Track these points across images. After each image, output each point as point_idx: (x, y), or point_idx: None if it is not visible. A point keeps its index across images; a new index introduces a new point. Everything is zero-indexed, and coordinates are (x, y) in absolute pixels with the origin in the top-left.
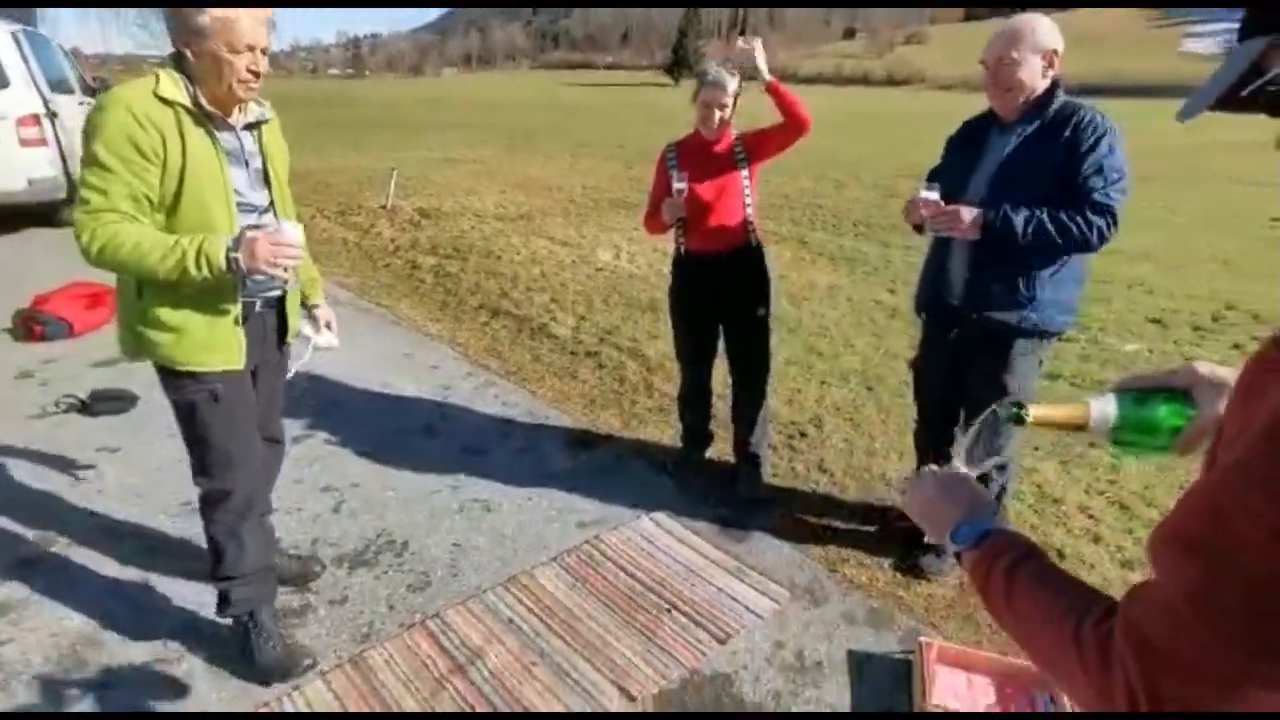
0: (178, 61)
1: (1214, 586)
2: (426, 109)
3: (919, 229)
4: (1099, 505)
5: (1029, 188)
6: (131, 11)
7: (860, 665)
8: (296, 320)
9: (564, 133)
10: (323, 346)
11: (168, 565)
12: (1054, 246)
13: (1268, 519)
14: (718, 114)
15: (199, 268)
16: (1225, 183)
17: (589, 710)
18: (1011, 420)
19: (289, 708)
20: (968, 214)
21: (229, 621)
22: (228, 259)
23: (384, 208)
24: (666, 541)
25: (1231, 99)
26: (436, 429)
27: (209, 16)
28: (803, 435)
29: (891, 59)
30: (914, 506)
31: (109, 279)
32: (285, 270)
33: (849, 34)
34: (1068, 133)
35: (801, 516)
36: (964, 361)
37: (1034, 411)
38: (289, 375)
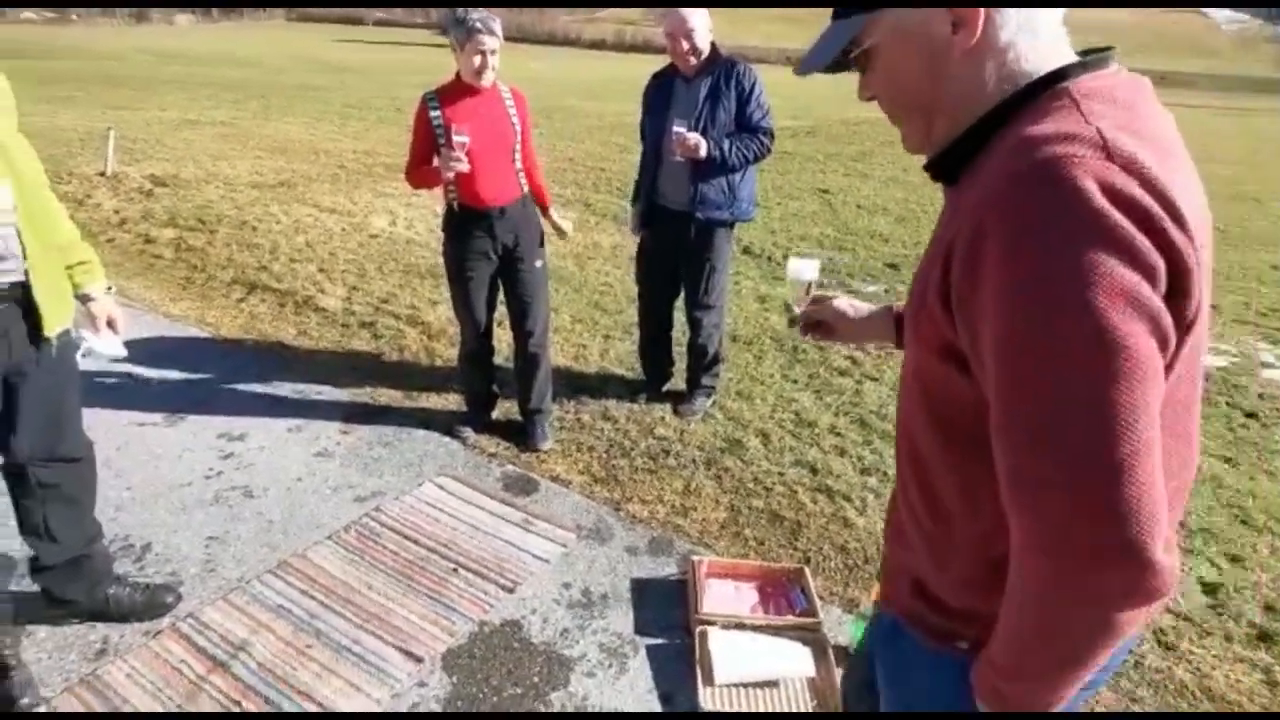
0: None
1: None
2: (158, 63)
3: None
4: (844, 424)
5: (718, 123)
6: None
7: (640, 590)
8: (57, 312)
9: (332, 93)
10: (103, 353)
11: None
12: (746, 161)
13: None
14: (491, 60)
15: None
16: None
17: (373, 680)
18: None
19: None
20: (702, 147)
21: None
22: None
23: (103, 175)
24: (451, 504)
25: (837, 62)
26: (184, 417)
27: None
28: (587, 387)
29: None
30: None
31: None
32: None
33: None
34: (733, 81)
35: (588, 464)
36: (680, 249)
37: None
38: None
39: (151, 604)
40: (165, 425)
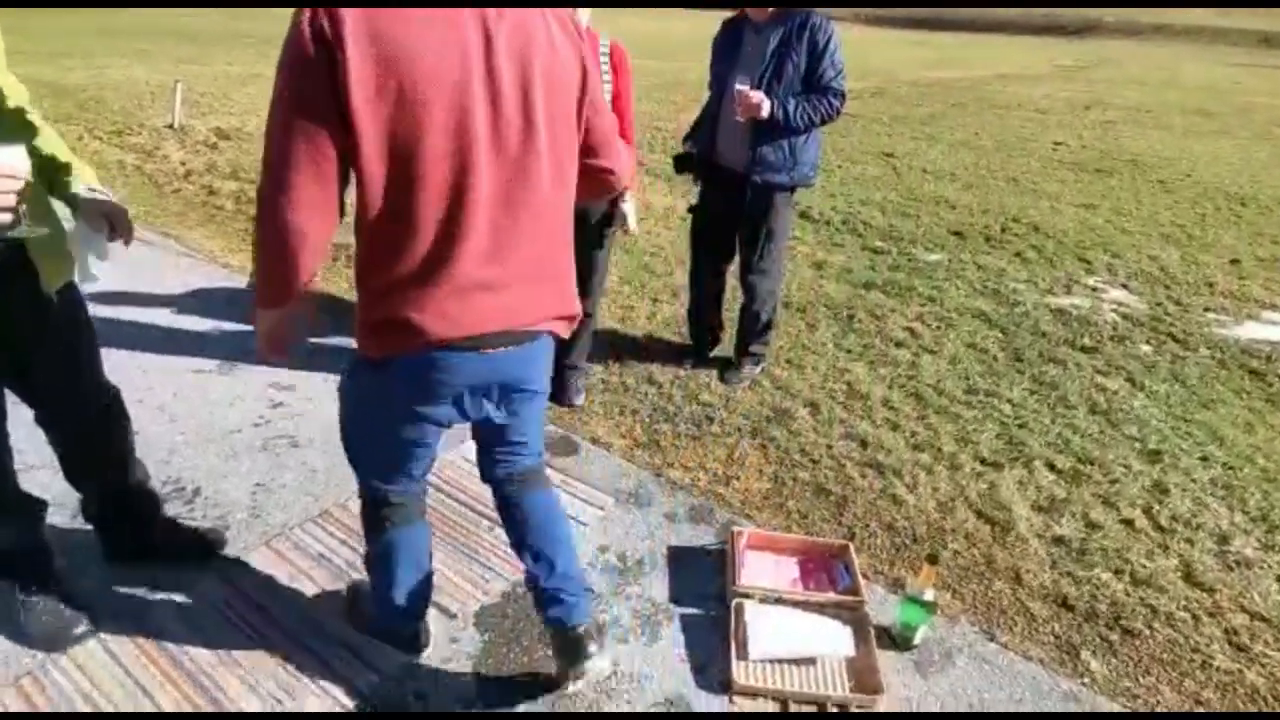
0: None
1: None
2: (227, 17)
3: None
4: (898, 397)
5: (784, 79)
6: None
7: (677, 558)
8: (58, 267)
9: None
10: (101, 261)
11: None
12: (812, 124)
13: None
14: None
15: None
16: (1015, 110)
17: None
18: None
19: (54, 672)
20: (764, 106)
21: None
22: None
23: (171, 127)
24: None
25: None
26: (238, 365)
27: None
28: (632, 350)
29: None
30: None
31: None
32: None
33: None
34: (806, 34)
35: (630, 427)
36: (737, 210)
37: None
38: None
39: (199, 546)
40: (219, 373)
